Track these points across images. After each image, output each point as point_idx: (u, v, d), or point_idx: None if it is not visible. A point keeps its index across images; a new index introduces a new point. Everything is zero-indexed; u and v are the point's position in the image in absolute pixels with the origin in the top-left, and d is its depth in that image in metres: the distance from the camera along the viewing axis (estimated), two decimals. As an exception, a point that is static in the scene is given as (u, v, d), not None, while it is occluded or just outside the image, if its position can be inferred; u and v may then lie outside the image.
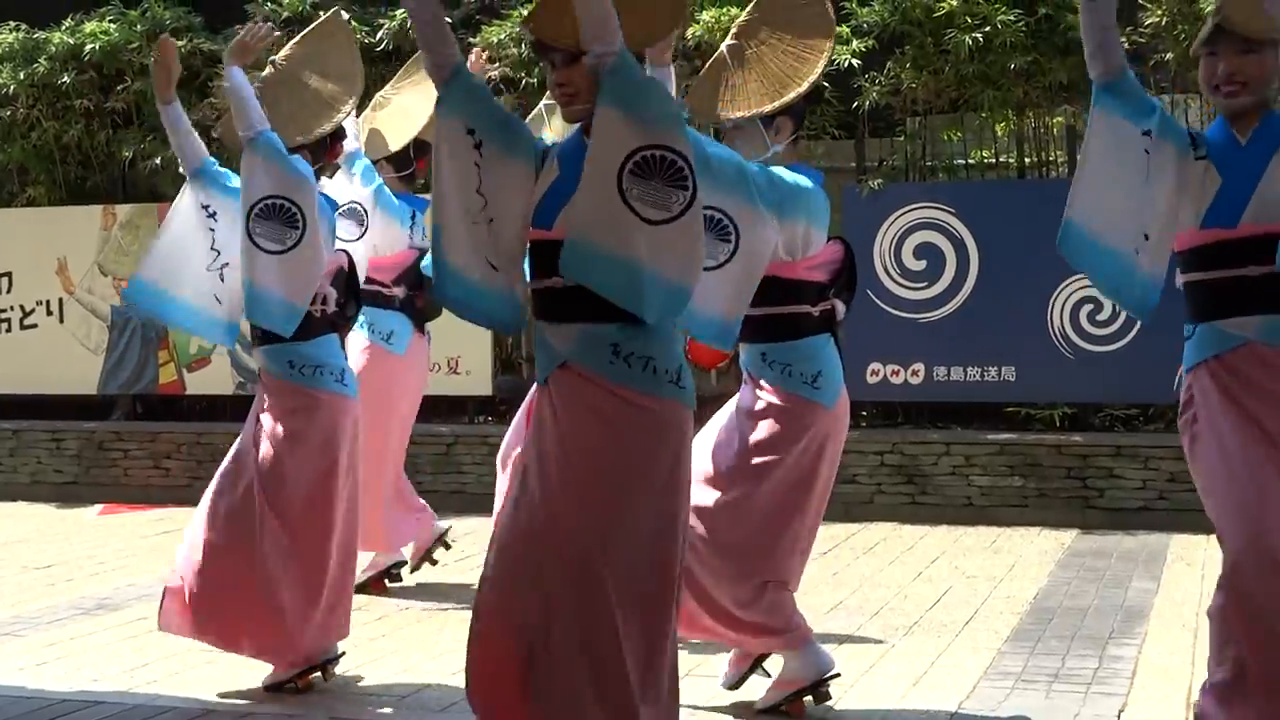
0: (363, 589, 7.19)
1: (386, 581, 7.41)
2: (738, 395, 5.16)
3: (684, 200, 3.76)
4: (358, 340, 7.28)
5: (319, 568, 5.42)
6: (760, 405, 5.04)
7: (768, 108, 4.97)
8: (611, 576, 3.81)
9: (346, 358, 5.77)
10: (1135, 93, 4.03)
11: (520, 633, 3.84)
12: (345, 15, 5.89)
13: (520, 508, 3.92)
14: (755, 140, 5.00)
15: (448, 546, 7.52)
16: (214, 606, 5.36)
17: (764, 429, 5.02)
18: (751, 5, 5.14)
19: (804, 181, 4.96)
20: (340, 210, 7.28)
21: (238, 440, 5.55)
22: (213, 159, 5.69)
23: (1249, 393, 3.96)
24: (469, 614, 6.94)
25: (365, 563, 7.46)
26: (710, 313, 4.62)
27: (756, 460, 5.00)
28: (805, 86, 4.98)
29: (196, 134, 5.68)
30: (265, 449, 5.42)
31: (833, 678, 5.11)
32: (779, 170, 4.94)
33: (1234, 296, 3.97)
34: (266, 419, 5.46)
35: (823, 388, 5.02)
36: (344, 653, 5.68)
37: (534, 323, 4.05)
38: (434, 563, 7.52)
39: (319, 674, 5.56)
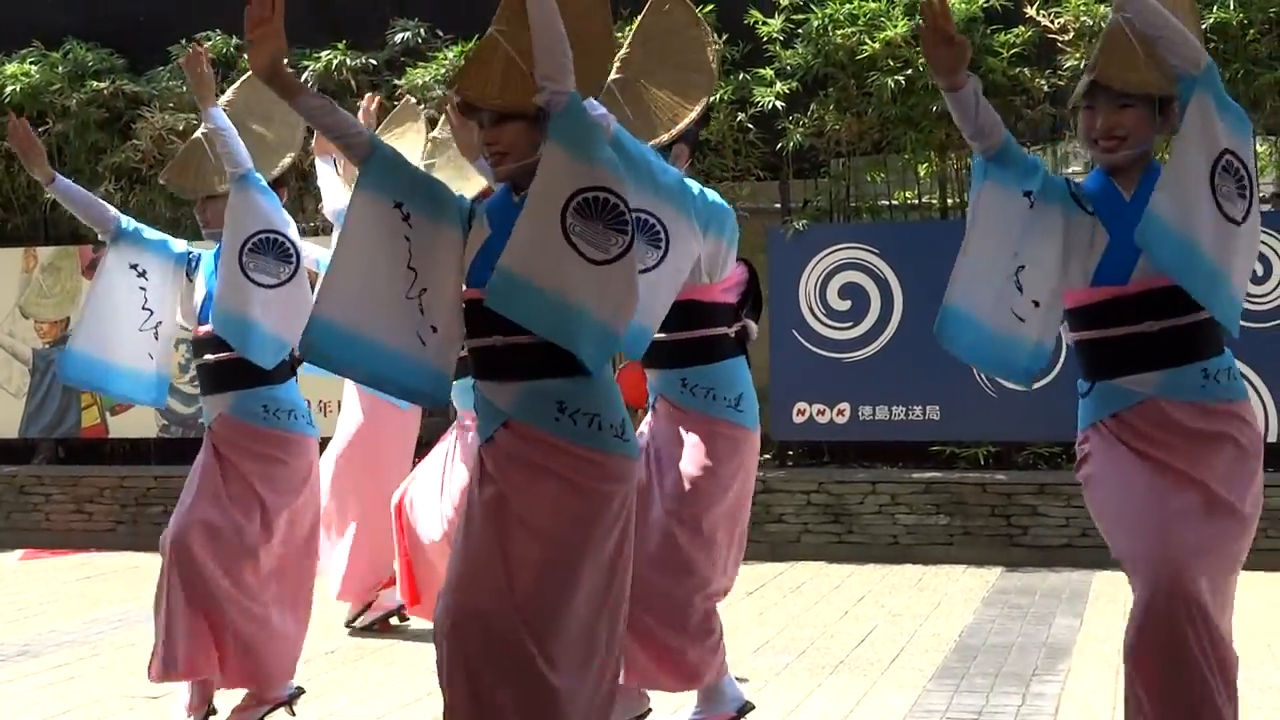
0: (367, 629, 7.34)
1: (394, 621, 7.39)
2: (647, 430, 5.14)
3: (622, 244, 3.75)
4: (354, 389, 7.28)
5: (305, 604, 5.48)
6: (686, 435, 5.04)
7: (664, 138, 5.01)
8: (547, 652, 3.76)
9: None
10: (1019, 155, 3.99)
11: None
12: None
13: (463, 561, 3.85)
14: None
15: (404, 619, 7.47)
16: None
17: (694, 460, 5.01)
18: (630, 39, 5.12)
19: (723, 202, 5.07)
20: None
21: (187, 497, 5.34)
22: (125, 218, 5.55)
23: (1152, 445, 3.90)
24: (389, 656, 6.89)
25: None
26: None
27: (703, 493, 4.99)
28: (696, 112, 5.05)
29: (93, 196, 5.57)
30: (239, 496, 5.32)
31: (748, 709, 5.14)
32: (705, 189, 5.02)
33: (1132, 353, 3.92)
34: (231, 470, 5.34)
35: (745, 410, 5.07)
36: (303, 690, 5.55)
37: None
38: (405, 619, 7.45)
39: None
